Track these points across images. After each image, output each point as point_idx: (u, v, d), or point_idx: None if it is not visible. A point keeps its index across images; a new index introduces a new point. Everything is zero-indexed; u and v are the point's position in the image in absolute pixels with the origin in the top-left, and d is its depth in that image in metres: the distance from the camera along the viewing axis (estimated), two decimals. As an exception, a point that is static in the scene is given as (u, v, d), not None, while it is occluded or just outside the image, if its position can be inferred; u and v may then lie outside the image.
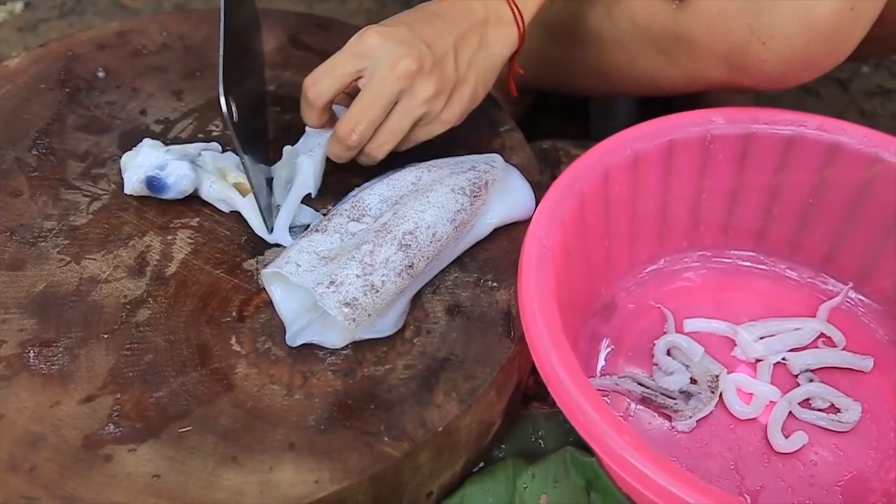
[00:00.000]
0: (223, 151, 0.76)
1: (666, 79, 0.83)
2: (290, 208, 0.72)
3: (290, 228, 0.72)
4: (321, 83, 0.69)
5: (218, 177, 0.73)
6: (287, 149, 0.75)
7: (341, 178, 0.77)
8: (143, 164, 0.72)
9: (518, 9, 0.72)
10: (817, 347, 0.76)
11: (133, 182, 0.72)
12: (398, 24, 0.69)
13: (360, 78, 0.69)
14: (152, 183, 0.71)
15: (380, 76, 0.67)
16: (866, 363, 0.74)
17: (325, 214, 0.72)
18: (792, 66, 0.74)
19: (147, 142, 0.74)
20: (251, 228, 0.72)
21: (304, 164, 0.73)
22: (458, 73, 0.70)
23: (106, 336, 0.64)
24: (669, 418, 0.71)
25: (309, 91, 0.69)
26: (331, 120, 0.73)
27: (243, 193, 0.72)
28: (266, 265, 0.68)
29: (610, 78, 0.89)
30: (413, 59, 0.67)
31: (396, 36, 0.68)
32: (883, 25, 0.74)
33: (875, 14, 0.72)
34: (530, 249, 0.64)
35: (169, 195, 0.72)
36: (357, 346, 0.65)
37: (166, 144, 0.75)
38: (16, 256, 0.69)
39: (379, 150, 0.71)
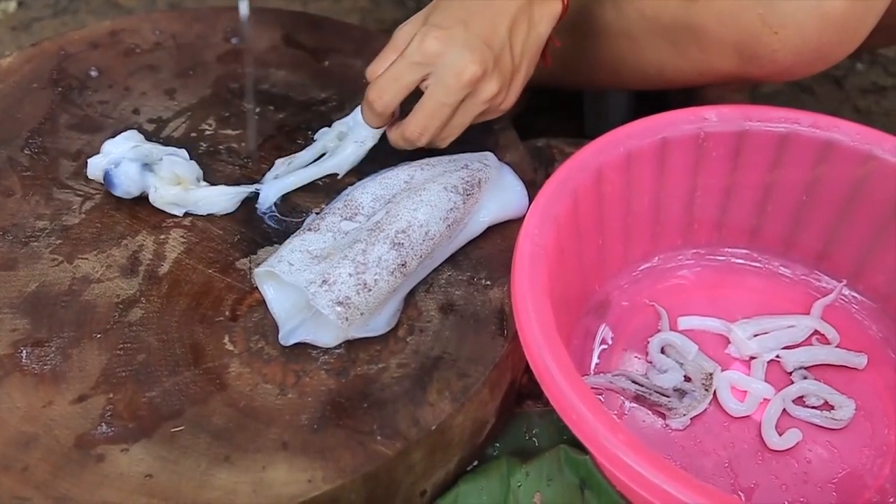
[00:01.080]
0: (190, 159, 0.75)
1: (674, 71, 0.82)
2: (308, 175, 0.75)
3: (265, 213, 0.73)
4: (387, 95, 0.70)
5: (168, 182, 0.72)
6: (336, 123, 0.76)
7: (334, 177, 0.77)
8: (109, 152, 0.72)
9: None
10: (811, 345, 0.76)
11: (94, 167, 0.72)
12: (453, 25, 0.68)
13: (423, 80, 0.69)
14: (106, 176, 0.72)
15: (445, 85, 0.67)
16: (860, 360, 0.74)
17: (317, 213, 0.72)
18: (803, 56, 0.74)
19: (127, 132, 0.74)
20: (244, 228, 0.72)
21: (348, 149, 0.75)
22: (514, 63, 0.70)
23: (98, 336, 0.64)
24: (663, 416, 0.71)
25: (376, 104, 0.70)
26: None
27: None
28: (259, 264, 0.67)
29: (616, 70, 0.88)
30: (477, 64, 0.67)
31: (456, 40, 0.67)
32: (890, 15, 0.74)
33: (886, 4, 0.73)
34: (523, 247, 0.64)
35: (117, 193, 0.72)
36: (350, 344, 0.64)
37: (161, 143, 0.75)
38: (8, 256, 0.69)
39: (443, 142, 0.73)
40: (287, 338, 0.64)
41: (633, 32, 0.83)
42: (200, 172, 0.74)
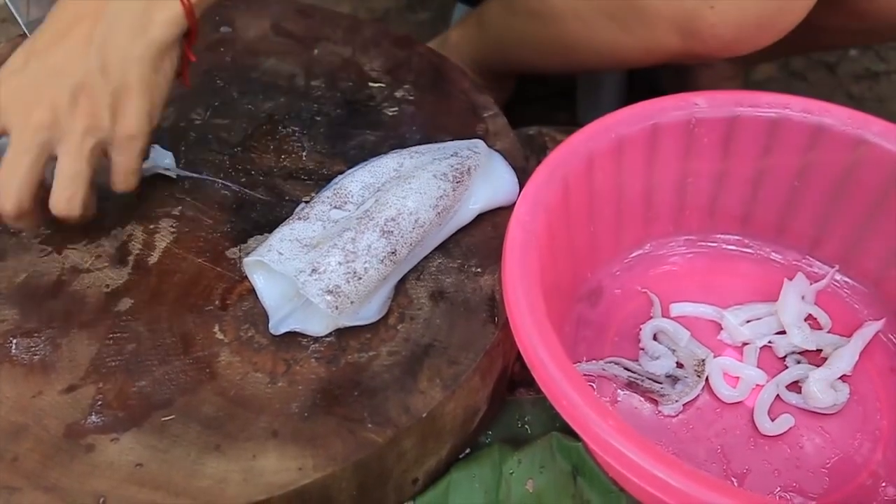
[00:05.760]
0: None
1: (625, 50, 0.83)
2: None
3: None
4: None
5: None
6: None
7: (324, 166, 0.76)
8: None
9: None
10: (803, 330, 0.76)
11: None
12: (22, 65, 0.62)
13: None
14: None
15: (16, 134, 0.61)
16: (852, 345, 0.74)
17: (307, 202, 0.72)
18: (744, 29, 0.74)
19: None
20: (234, 217, 0.72)
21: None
22: (113, 82, 0.61)
23: (88, 326, 0.64)
24: (656, 403, 0.71)
25: None
26: None
27: None
28: (248, 253, 0.67)
29: (574, 52, 0.89)
30: (44, 108, 0.60)
31: (18, 83, 0.61)
32: (863, 18, 0.74)
33: None
34: (514, 234, 0.64)
35: None
36: (340, 333, 0.64)
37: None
38: (-4, 247, 0.69)
39: (70, 202, 0.63)
40: (277, 327, 0.64)
41: (582, 13, 0.83)
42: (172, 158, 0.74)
